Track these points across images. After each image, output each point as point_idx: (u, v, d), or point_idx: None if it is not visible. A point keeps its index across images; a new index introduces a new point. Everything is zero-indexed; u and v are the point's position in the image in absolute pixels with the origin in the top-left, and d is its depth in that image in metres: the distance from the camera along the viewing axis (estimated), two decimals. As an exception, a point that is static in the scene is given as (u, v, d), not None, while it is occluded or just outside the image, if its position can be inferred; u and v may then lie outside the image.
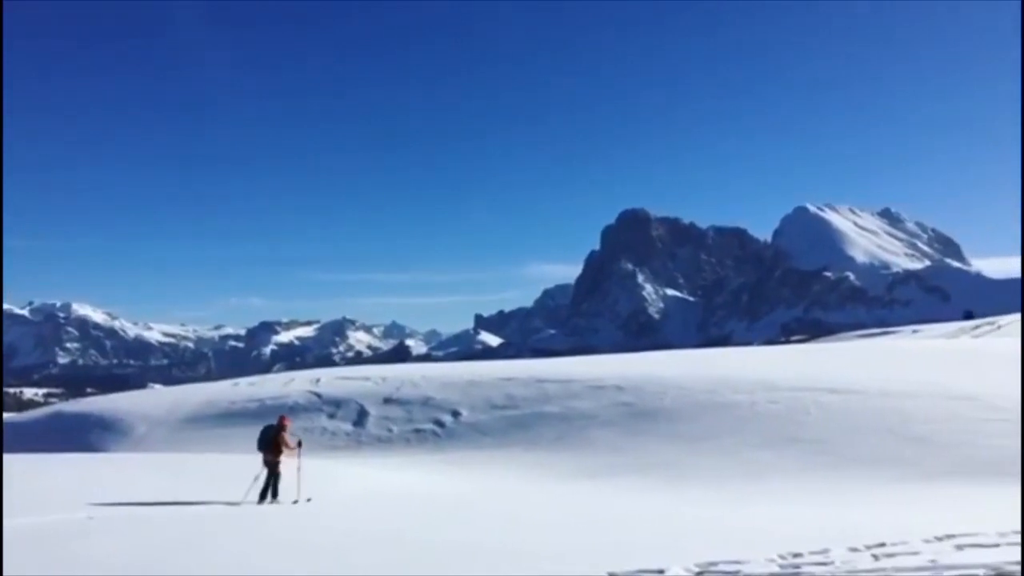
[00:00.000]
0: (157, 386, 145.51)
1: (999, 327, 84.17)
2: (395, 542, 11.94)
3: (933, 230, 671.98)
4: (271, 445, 16.92)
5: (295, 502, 16.57)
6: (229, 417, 34.01)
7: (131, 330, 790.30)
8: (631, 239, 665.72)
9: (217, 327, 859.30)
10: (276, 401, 34.90)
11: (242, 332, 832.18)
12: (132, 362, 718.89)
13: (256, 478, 16.91)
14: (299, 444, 17.36)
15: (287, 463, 17.18)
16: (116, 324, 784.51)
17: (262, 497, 16.62)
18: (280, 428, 17.11)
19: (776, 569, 9.25)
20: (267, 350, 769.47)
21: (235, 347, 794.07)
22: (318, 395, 35.35)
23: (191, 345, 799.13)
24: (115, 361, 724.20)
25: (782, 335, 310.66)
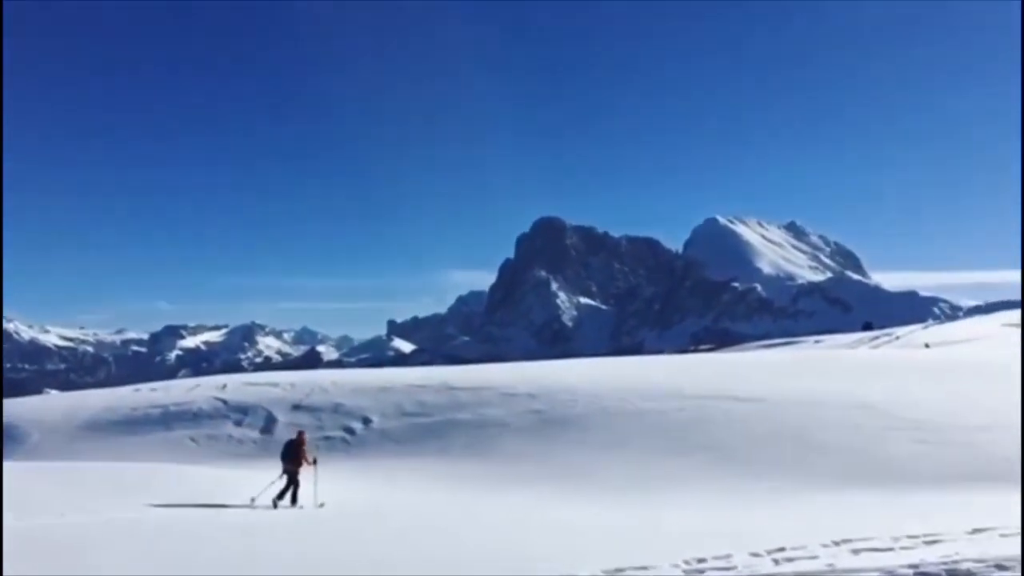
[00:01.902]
0: (53, 391, 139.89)
1: (897, 338, 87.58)
2: (300, 557, 11.72)
3: (835, 243, 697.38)
4: (293, 456, 18.48)
5: (321, 505, 17.77)
6: (130, 424, 32.76)
7: (26, 333, 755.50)
8: (545, 247, 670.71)
9: (119, 331, 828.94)
10: (180, 407, 33.83)
11: (145, 336, 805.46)
12: (27, 366, 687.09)
13: (272, 483, 18.17)
14: (314, 461, 18.93)
15: (305, 474, 18.56)
16: (10, 327, 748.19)
17: (279, 498, 17.90)
18: (300, 442, 18.80)
19: (681, 574, 9.41)
20: (172, 355, 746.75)
21: (138, 352, 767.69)
22: (224, 402, 34.42)
23: (91, 349, 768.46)
24: (8, 365, 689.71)
25: (691, 344, 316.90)
